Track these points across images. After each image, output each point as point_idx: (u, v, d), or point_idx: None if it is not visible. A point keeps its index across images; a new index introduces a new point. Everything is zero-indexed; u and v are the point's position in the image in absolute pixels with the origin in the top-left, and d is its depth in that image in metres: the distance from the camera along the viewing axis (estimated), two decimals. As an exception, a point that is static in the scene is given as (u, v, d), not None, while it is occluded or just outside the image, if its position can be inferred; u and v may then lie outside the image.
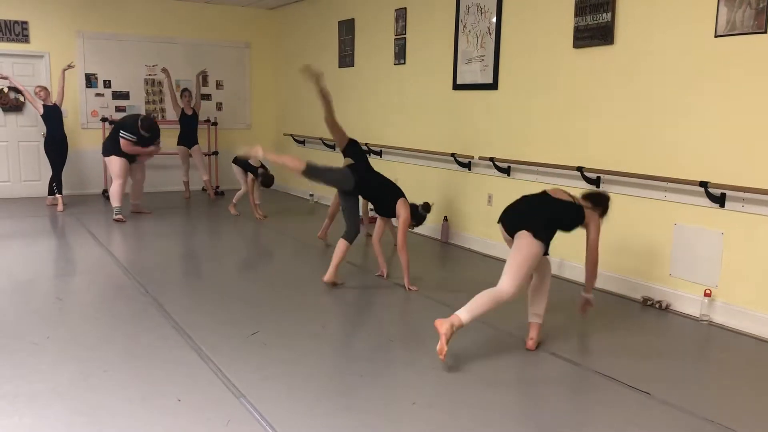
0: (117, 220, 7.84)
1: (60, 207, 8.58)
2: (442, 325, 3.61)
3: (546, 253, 3.94)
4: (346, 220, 5.41)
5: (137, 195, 8.57)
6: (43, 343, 3.99)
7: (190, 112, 9.77)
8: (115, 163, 8.04)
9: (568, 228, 4.14)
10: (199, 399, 3.28)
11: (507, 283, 3.77)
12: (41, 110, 8.52)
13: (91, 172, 9.95)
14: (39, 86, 8.60)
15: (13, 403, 3.20)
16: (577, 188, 5.60)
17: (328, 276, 5.28)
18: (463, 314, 3.67)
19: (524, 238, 3.86)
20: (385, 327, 4.53)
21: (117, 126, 8.15)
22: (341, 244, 5.28)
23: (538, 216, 4.00)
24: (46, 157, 8.72)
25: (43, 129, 8.69)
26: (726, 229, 4.56)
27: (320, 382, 3.54)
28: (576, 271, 5.64)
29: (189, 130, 9.76)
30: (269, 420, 3.05)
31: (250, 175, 8.20)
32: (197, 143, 9.84)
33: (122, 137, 7.92)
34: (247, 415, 3.11)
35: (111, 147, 8.09)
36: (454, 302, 4.87)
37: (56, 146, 8.59)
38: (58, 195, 8.64)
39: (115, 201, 7.95)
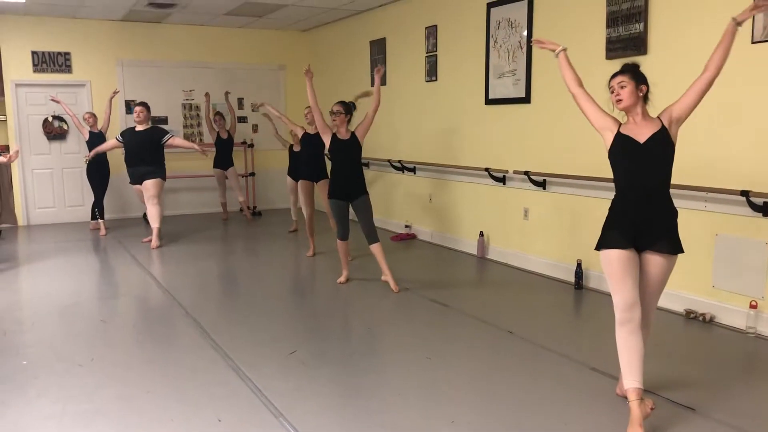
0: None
1: (102, 231, 8.78)
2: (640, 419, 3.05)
3: None
4: (338, 223, 5.95)
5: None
6: (88, 364, 4.08)
7: (224, 136, 9.86)
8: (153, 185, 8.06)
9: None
10: (239, 419, 3.31)
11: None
12: (87, 136, 8.82)
13: (132, 196, 10.16)
14: (88, 113, 8.91)
15: (60, 424, 3.28)
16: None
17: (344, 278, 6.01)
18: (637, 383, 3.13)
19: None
20: (423, 344, 4.52)
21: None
22: (342, 245, 5.98)
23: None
24: (88, 183, 8.96)
25: (86, 154, 8.82)
26: (770, 238, 4.45)
27: (358, 400, 3.55)
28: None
29: (224, 152, 9.85)
30: (308, 439, 3.07)
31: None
32: (233, 165, 9.90)
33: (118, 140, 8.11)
34: (287, 435, 3.13)
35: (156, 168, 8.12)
36: (494, 319, 4.84)
37: (99, 172, 8.80)
38: (100, 220, 8.88)
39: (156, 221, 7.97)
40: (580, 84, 3.60)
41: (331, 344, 4.44)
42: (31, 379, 3.86)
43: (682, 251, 3.31)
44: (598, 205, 5.73)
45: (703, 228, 4.87)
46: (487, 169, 6.90)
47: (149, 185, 7.92)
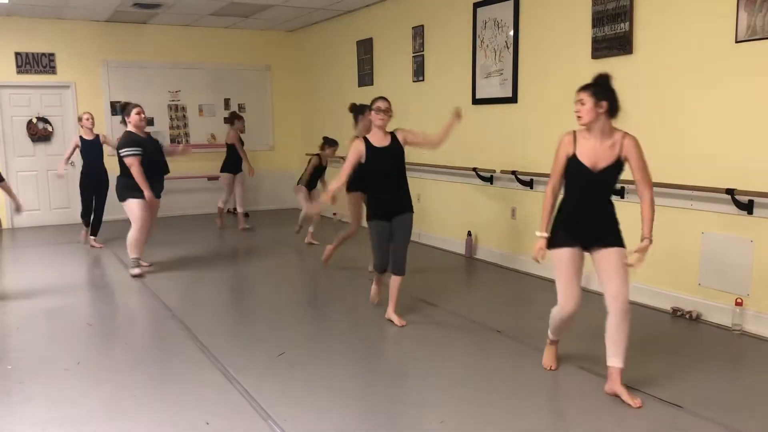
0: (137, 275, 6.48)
1: (90, 242, 8.08)
2: (622, 393, 3.42)
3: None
4: (378, 250, 4.87)
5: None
6: (74, 368, 4.05)
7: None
8: (132, 207, 6.44)
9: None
10: (227, 421, 3.29)
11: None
12: (77, 143, 7.84)
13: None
14: (88, 113, 7.87)
15: (45, 429, 3.24)
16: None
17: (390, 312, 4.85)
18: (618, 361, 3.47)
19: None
20: (410, 346, 4.51)
21: (118, 155, 6.42)
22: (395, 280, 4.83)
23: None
24: (74, 185, 8.74)
25: (79, 165, 8.12)
26: (755, 236, 4.48)
27: (347, 402, 3.54)
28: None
29: (235, 155, 9.09)
30: (297, 441, 3.06)
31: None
32: (242, 171, 9.22)
33: (126, 155, 6.32)
34: (275, 437, 3.12)
35: (121, 188, 6.49)
36: (482, 319, 4.84)
37: (100, 182, 7.91)
38: (91, 235, 8.05)
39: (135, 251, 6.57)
40: (553, 192, 3.68)
41: (319, 346, 4.42)
42: (16, 384, 3.82)
43: (624, 246, 3.57)
44: (585, 204, 5.75)
45: (689, 226, 4.90)
46: (474, 169, 6.91)
47: (157, 204, 6.71)
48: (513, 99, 6.48)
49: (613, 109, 3.42)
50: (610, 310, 3.50)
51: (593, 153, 3.46)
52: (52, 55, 9.67)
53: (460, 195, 7.36)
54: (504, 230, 6.73)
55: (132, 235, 6.48)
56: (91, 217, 8.03)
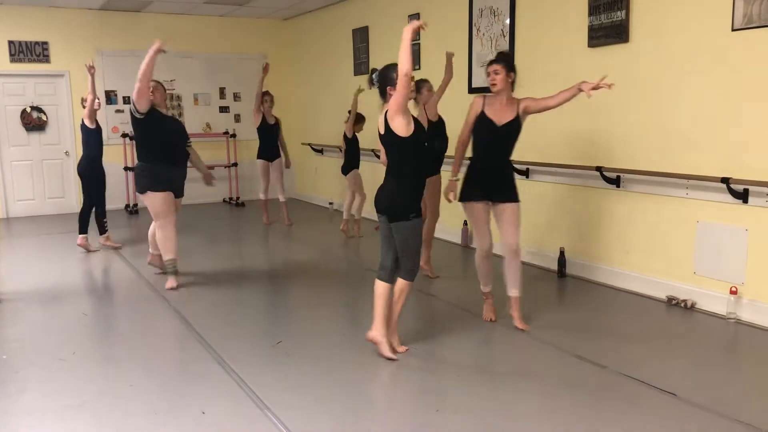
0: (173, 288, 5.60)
1: (104, 244, 7.29)
2: (516, 318, 4.46)
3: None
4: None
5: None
6: (70, 358, 4.04)
7: (272, 121, 8.35)
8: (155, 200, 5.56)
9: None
10: (224, 411, 3.30)
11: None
12: (93, 124, 7.00)
13: (112, 187, 9.99)
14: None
15: (41, 419, 3.25)
16: (596, 188, 5.57)
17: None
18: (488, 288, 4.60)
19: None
20: (409, 335, 4.52)
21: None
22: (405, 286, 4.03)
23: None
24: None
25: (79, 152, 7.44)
26: (750, 225, 4.49)
27: (345, 391, 3.54)
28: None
29: (269, 141, 8.35)
30: (292, 430, 3.06)
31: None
32: (280, 156, 8.50)
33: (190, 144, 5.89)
34: (271, 426, 3.12)
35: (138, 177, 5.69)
36: (480, 309, 4.86)
37: (96, 171, 7.10)
38: (82, 235, 7.17)
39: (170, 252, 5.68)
40: (462, 143, 4.58)
41: (316, 337, 4.43)
42: (12, 374, 3.82)
43: (518, 201, 4.42)
44: (581, 193, 5.76)
45: (684, 215, 4.91)
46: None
47: (179, 202, 5.81)
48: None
49: (514, 80, 4.35)
50: (504, 253, 4.46)
51: (500, 111, 4.31)
52: (46, 43, 9.60)
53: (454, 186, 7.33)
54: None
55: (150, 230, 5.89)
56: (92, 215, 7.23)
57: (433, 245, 6.02)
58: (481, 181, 4.38)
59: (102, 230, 7.29)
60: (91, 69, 6.54)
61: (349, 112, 7.52)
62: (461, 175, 4.54)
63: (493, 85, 4.26)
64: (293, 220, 8.69)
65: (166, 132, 5.54)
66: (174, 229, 5.61)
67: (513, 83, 4.33)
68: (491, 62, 4.31)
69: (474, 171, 4.43)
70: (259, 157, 8.45)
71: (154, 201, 5.49)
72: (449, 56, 5.56)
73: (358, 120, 7.55)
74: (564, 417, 3.19)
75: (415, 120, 3.84)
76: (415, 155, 3.85)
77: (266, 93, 8.32)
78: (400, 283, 3.92)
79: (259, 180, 8.61)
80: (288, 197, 8.99)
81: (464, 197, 4.46)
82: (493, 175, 4.38)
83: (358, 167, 7.65)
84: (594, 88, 4.00)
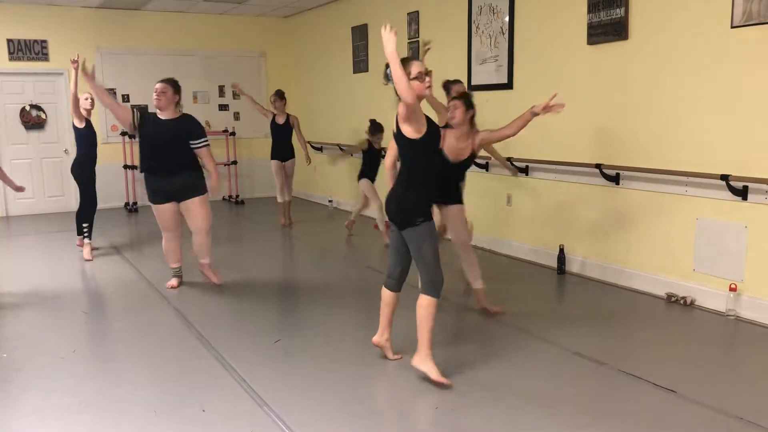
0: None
1: (87, 255, 6.71)
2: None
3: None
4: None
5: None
6: (71, 356, 4.04)
7: (282, 120, 8.20)
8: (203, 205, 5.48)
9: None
10: (223, 409, 3.30)
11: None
12: (82, 123, 6.58)
13: (111, 186, 10.00)
14: (89, 94, 6.62)
15: (42, 417, 3.25)
16: (596, 186, 5.57)
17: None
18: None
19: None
20: (405, 332, 4.52)
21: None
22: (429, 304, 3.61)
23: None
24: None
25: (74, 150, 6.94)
26: (750, 222, 4.49)
27: (343, 389, 3.55)
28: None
29: (283, 140, 8.21)
30: (292, 428, 3.07)
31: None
32: (294, 157, 8.30)
33: (202, 146, 5.43)
34: (271, 424, 3.12)
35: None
36: (470, 303, 4.86)
37: (86, 172, 6.74)
38: (87, 240, 6.80)
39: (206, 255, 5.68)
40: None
41: (315, 334, 4.43)
42: (13, 373, 3.82)
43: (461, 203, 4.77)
44: (580, 190, 5.76)
45: (683, 212, 4.91)
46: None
47: (196, 208, 5.39)
48: (509, 85, 6.46)
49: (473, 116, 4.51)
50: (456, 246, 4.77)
51: (455, 148, 4.49)
52: (45, 41, 9.59)
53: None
54: (499, 217, 6.74)
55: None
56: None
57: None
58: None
59: (79, 231, 6.83)
60: (74, 63, 5.81)
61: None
62: None
63: (452, 118, 4.46)
64: (293, 221, 8.54)
65: (158, 140, 5.26)
66: (176, 242, 5.56)
67: (472, 119, 4.49)
68: (453, 98, 4.60)
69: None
70: (271, 157, 8.29)
71: (155, 213, 5.46)
72: (425, 47, 4.86)
73: (377, 130, 7.28)
74: (563, 413, 3.19)
75: (430, 121, 3.64)
76: (424, 158, 3.61)
77: (277, 92, 8.29)
78: (422, 300, 3.53)
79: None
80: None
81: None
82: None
83: (372, 179, 7.27)
84: (545, 108, 4.12)
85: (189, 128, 5.42)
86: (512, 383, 3.55)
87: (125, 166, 9.89)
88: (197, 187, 5.40)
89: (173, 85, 5.48)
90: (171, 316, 4.83)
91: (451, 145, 4.46)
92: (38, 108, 9.68)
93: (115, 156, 9.87)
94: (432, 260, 3.53)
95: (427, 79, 3.66)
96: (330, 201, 9.93)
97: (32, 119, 9.69)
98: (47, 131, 9.80)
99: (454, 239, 4.75)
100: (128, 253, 7.00)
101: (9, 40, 9.38)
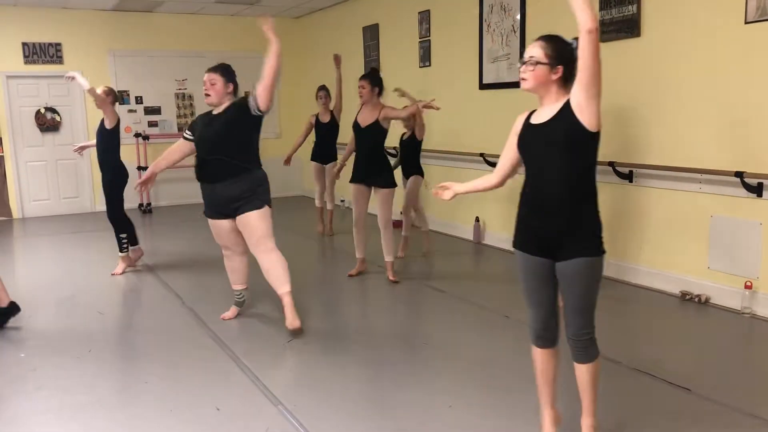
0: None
1: (119, 270, 6.15)
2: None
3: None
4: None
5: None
6: (86, 356, 4.08)
7: (326, 119, 7.51)
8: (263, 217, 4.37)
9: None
10: (238, 407, 3.32)
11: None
12: (113, 123, 6.02)
13: (126, 187, 10.03)
14: (108, 88, 6.25)
15: (58, 416, 3.29)
16: (609, 184, 5.54)
17: None
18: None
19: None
20: (420, 331, 4.53)
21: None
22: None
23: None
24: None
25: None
26: (765, 219, 4.45)
27: (357, 387, 3.56)
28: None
29: (324, 141, 7.55)
30: (307, 427, 3.08)
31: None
32: (335, 160, 7.47)
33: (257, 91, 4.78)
34: (285, 423, 3.14)
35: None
36: (491, 304, 4.85)
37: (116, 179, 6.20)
38: (124, 253, 6.16)
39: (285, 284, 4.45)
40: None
41: (329, 333, 4.44)
42: (30, 372, 3.86)
43: (394, 186, 5.71)
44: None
45: (698, 210, 4.88)
46: (482, 155, 6.89)
47: (254, 224, 4.30)
48: (520, 84, 6.43)
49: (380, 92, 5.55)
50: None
51: (365, 115, 5.51)
52: (59, 44, 9.68)
53: (467, 180, 7.31)
54: (511, 216, 6.67)
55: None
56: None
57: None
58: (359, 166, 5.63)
59: (121, 247, 6.12)
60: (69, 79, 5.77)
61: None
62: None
63: (361, 96, 5.48)
64: (333, 231, 7.81)
65: (203, 138, 4.34)
66: (242, 259, 4.60)
67: (379, 94, 5.54)
68: (361, 77, 5.56)
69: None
70: (311, 159, 7.71)
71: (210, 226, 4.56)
72: (402, 94, 6.35)
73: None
74: (577, 412, 3.18)
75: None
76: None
77: (322, 88, 7.60)
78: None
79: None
80: (297, 194, 8.96)
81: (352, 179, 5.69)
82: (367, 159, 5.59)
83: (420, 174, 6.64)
84: (426, 106, 5.24)
85: (237, 103, 4.61)
86: (520, 382, 3.55)
87: (139, 168, 9.95)
88: (239, 202, 4.28)
89: (223, 72, 4.60)
90: (185, 315, 4.86)
91: (363, 116, 5.54)
92: (53, 110, 9.77)
93: (129, 157, 9.90)
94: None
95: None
96: (342, 201, 9.94)
97: (47, 122, 9.78)
98: (62, 133, 9.88)
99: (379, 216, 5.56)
100: (145, 254, 7.03)
101: (24, 44, 9.48)
